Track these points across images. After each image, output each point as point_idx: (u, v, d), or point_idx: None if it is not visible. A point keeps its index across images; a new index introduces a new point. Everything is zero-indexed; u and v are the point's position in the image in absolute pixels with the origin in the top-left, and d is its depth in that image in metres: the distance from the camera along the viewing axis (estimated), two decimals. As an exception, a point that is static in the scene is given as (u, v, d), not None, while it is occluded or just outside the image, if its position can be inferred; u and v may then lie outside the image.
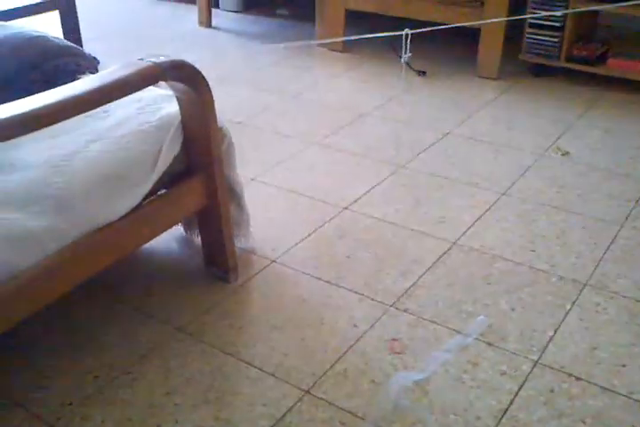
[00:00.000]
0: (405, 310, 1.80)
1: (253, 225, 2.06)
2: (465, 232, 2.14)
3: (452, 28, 3.31)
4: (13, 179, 1.51)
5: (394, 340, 1.65)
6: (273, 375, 1.59)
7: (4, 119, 1.27)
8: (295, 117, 2.96)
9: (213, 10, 4.26)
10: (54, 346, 1.68)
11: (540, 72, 3.39)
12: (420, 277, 1.93)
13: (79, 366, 1.62)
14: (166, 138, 1.67)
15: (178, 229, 2.08)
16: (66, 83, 1.48)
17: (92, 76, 1.57)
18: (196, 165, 1.76)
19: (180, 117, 1.71)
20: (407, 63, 3.16)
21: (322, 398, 1.53)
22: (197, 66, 1.59)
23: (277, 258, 2.01)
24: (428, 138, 2.76)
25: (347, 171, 2.51)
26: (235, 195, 1.95)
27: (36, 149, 1.60)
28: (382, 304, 1.83)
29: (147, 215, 1.65)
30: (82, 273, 1.51)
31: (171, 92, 1.70)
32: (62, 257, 1.44)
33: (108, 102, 1.52)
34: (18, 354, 1.66)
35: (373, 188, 2.39)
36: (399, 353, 1.62)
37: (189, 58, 1.59)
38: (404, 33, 1.50)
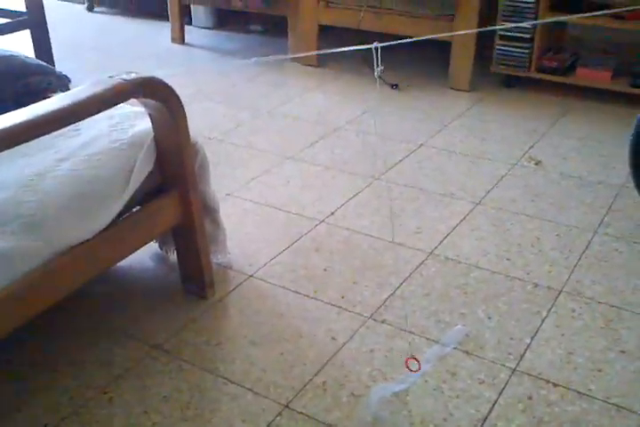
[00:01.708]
0: (383, 322, 1.81)
1: (230, 240, 2.06)
2: (441, 242, 2.15)
3: (425, 41, 3.34)
4: (-16, 199, 1.50)
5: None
6: (252, 391, 1.58)
7: (-27, 139, 1.27)
8: (269, 132, 2.97)
9: (186, 27, 4.28)
10: (28, 367, 1.66)
11: (511, 83, 3.43)
12: (397, 288, 1.94)
13: (54, 387, 1.60)
14: (139, 155, 1.66)
15: (153, 246, 2.07)
16: (37, 101, 1.47)
17: (62, 94, 1.56)
18: (170, 182, 1.75)
19: (152, 134, 1.70)
20: (380, 77, 3.19)
21: (301, 412, 1.52)
22: (171, 82, 1.59)
23: (254, 273, 2.01)
24: (402, 150, 2.78)
25: (322, 184, 2.52)
26: (210, 211, 1.94)
27: (6, 169, 1.59)
28: (360, 316, 1.83)
29: (120, 233, 1.64)
30: (55, 293, 1.50)
31: (143, 109, 1.70)
32: (34, 277, 1.43)
33: (80, 120, 1.51)
34: (-8, 376, 1.64)
35: (349, 200, 2.40)
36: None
37: (163, 75, 1.59)
38: (373, 46, 1.50)
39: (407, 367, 1.58)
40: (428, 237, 2.18)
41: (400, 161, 2.69)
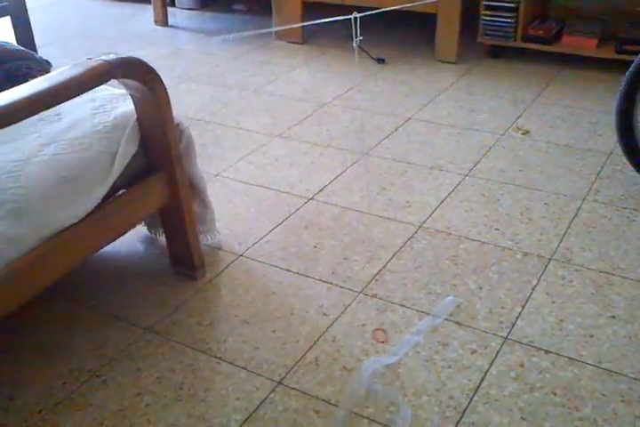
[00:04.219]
0: (374, 296, 1.81)
1: (219, 221, 2.06)
2: (430, 215, 2.15)
3: (410, 15, 3.32)
4: (-33, 187, 1.49)
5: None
6: (245, 369, 1.59)
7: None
8: (257, 111, 2.95)
9: (169, 8, 4.24)
10: (20, 354, 1.66)
11: (497, 53, 3.41)
12: (388, 262, 1.94)
13: (47, 373, 1.60)
14: (122, 137, 1.65)
15: (142, 230, 2.07)
16: (16, 86, 1.45)
17: (41, 77, 1.54)
18: (156, 164, 1.74)
19: (135, 116, 1.69)
20: (361, 48, 3.16)
21: (294, 388, 1.53)
22: (156, 65, 1.58)
23: (244, 252, 2.01)
24: (390, 124, 2.77)
25: (310, 161, 2.51)
26: (197, 191, 1.94)
27: (-12, 156, 1.58)
28: (351, 291, 1.83)
29: (107, 216, 1.63)
30: (44, 279, 1.49)
31: (125, 92, 1.69)
32: (23, 263, 1.42)
33: (60, 103, 1.49)
34: (-15, 364, 1.64)
35: (338, 176, 2.39)
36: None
37: (147, 57, 1.58)
38: (352, 17, 1.50)
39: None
40: (418, 210, 2.18)
41: (388, 135, 2.67)
